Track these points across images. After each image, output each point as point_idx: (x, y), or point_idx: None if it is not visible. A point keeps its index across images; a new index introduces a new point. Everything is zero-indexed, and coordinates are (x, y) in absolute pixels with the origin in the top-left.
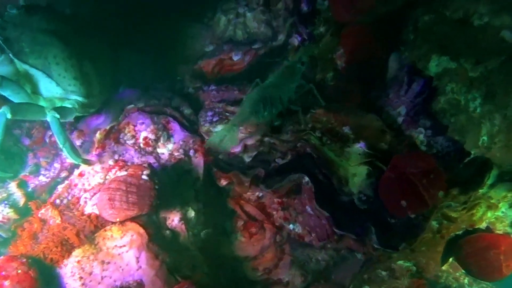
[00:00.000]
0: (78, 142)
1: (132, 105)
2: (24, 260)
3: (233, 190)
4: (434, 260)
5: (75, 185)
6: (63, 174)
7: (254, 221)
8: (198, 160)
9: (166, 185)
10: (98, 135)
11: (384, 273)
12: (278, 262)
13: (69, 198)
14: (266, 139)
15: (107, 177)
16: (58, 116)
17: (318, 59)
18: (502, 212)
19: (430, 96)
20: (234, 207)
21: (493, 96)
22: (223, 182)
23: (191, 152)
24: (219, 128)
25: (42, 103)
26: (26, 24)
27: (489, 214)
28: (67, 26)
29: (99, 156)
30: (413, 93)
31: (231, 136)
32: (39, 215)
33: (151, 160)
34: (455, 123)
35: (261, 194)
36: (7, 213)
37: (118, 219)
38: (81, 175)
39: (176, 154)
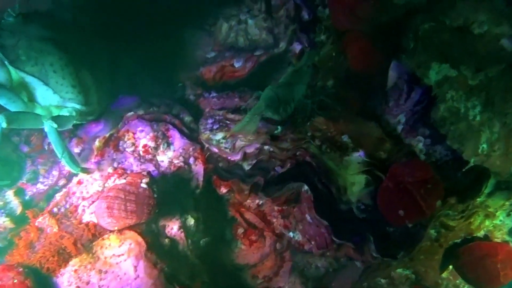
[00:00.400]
0: (77, 150)
1: (132, 113)
2: (21, 269)
3: (233, 197)
4: (433, 268)
5: (73, 193)
6: (62, 182)
7: (254, 228)
8: (198, 168)
9: (165, 193)
10: (97, 143)
11: (383, 281)
12: (278, 269)
13: (67, 206)
14: (266, 147)
15: (106, 185)
16: (55, 125)
17: (319, 67)
18: (500, 220)
19: (429, 105)
20: (234, 215)
21: (492, 103)
22: (223, 190)
23: (191, 160)
24: (220, 135)
25: (39, 111)
26: (22, 31)
27: (487, 222)
28: (64, 34)
29: (98, 164)
30: (412, 101)
31: (252, 122)
32: (36, 224)
33: (151, 167)
34: (454, 131)
35: (261, 202)
36: (3, 222)
37: (116, 228)
38: (79, 183)
39: (176, 161)
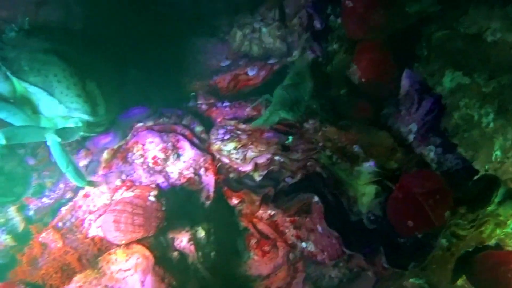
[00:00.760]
0: (85, 162)
1: (141, 124)
2: (23, 286)
3: (245, 208)
4: (445, 278)
5: (79, 206)
6: (68, 195)
7: (267, 239)
8: (209, 179)
9: (175, 205)
10: (105, 155)
11: None
12: (291, 280)
13: (73, 220)
14: (277, 157)
15: (114, 197)
16: (59, 139)
17: (332, 76)
18: (511, 229)
19: (439, 114)
20: (246, 225)
21: (506, 111)
22: (234, 201)
23: (202, 171)
24: (231, 146)
25: (43, 123)
26: (25, 45)
27: (497, 231)
28: (70, 45)
29: (106, 176)
30: (423, 110)
31: (273, 117)
32: (40, 239)
33: (160, 179)
34: (468, 138)
35: (273, 213)
36: (5, 239)
37: (123, 242)
38: (86, 196)
39: (186, 173)
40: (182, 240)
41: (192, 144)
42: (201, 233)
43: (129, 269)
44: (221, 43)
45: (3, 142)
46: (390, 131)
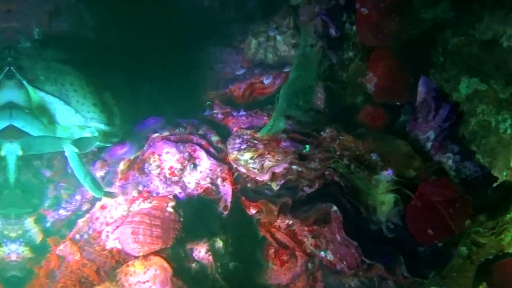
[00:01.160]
0: (101, 173)
1: (157, 134)
2: None
3: (263, 218)
4: (466, 286)
5: (97, 218)
6: (85, 207)
7: (285, 248)
8: (226, 189)
9: (192, 215)
10: (121, 166)
11: None
12: None
13: (90, 232)
14: (294, 167)
15: (131, 209)
16: (76, 150)
17: (348, 84)
18: None
19: (457, 121)
20: (265, 235)
21: None
22: (252, 211)
23: (219, 181)
24: (247, 155)
25: (59, 132)
26: (40, 54)
27: None
28: (85, 55)
29: (123, 187)
30: (440, 118)
31: (278, 123)
32: (57, 252)
33: (177, 189)
34: (485, 144)
35: (291, 222)
36: (22, 251)
37: (141, 253)
38: (103, 207)
39: (203, 183)
40: (200, 251)
41: (209, 154)
42: (219, 243)
43: (147, 281)
44: (235, 51)
45: (20, 152)
46: (407, 139)
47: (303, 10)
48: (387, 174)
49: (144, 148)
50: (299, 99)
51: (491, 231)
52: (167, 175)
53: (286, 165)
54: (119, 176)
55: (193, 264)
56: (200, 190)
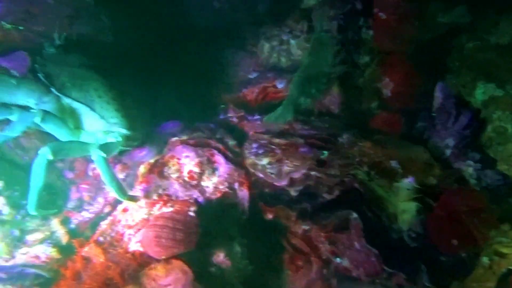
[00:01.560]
0: (121, 176)
1: (176, 138)
2: None
3: (280, 223)
4: None
5: (119, 221)
6: (107, 209)
7: (301, 254)
8: (243, 193)
9: (210, 219)
10: (142, 169)
11: None
12: None
13: (113, 234)
14: (313, 173)
15: (151, 212)
16: (104, 154)
17: (363, 89)
18: None
19: (478, 129)
20: (281, 240)
21: None
22: (269, 216)
23: (236, 185)
24: (265, 161)
25: (84, 138)
26: (64, 60)
27: None
28: (105, 60)
29: (144, 191)
30: (461, 125)
31: (286, 112)
32: (83, 253)
33: (196, 194)
34: (502, 151)
35: (307, 227)
36: (50, 252)
37: (163, 257)
38: (124, 210)
39: (221, 187)
40: (219, 255)
41: (227, 158)
42: (237, 248)
43: (169, 285)
44: (248, 55)
45: (51, 157)
46: (425, 145)
47: (317, 15)
48: (408, 182)
49: (164, 152)
50: (312, 87)
51: None
52: (186, 179)
53: (304, 171)
54: (140, 179)
55: (212, 268)
56: (218, 195)
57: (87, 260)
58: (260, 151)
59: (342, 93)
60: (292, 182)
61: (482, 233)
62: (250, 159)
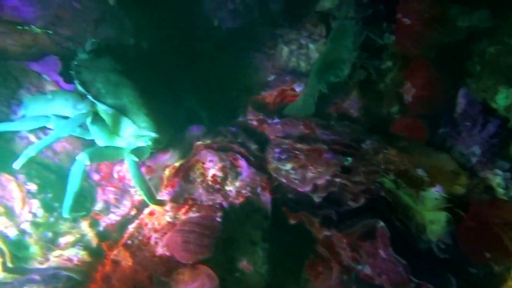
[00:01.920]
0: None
1: (200, 142)
2: None
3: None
4: None
5: (146, 224)
6: (133, 212)
7: (321, 259)
8: (266, 198)
9: (234, 224)
10: (167, 172)
11: None
12: None
13: (140, 238)
14: (337, 179)
15: (177, 216)
16: (136, 158)
17: (384, 93)
18: None
19: (506, 137)
20: (302, 246)
21: None
22: (292, 222)
23: (259, 190)
24: (288, 166)
25: (118, 143)
26: (97, 66)
27: None
28: (133, 64)
29: (169, 195)
30: (488, 133)
31: (308, 105)
32: (112, 257)
33: (219, 198)
34: None
35: (329, 233)
36: (81, 255)
37: (190, 262)
38: (151, 214)
39: (243, 191)
40: (242, 260)
41: (249, 162)
42: (259, 252)
43: None
44: (266, 58)
45: (88, 162)
46: (449, 152)
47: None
48: (435, 191)
49: (189, 155)
50: (330, 74)
51: None
52: (210, 183)
53: (328, 177)
54: (165, 182)
55: (236, 274)
56: (241, 199)
57: (116, 263)
58: (283, 156)
59: (362, 98)
60: (315, 188)
61: None
62: (273, 164)
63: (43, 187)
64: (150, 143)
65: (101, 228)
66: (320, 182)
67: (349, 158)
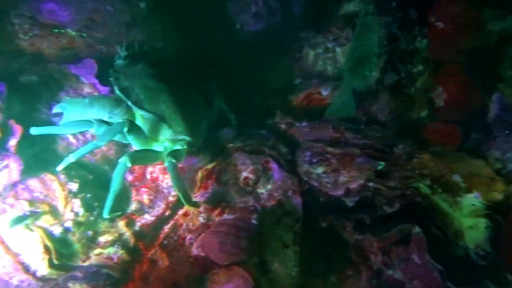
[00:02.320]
0: None
1: (232, 145)
2: None
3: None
4: None
5: (180, 225)
6: (167, 213)
7: (351, 263)
8: (297, 201)
9: (266, 227)
10: (200, 174)
11: None
12: None
13: (175, 238)
14: (371, 184)
15: (210, 217)
16: (174, 161)
17: (414, 98)
18: None
19: None
20: (333, 249)
21: None
22: (323, 225)
23: (290, 193)
24: (320, 170)
25: (155, 147)
26: (134, 72)
27: None
28: (166, 70)
29: (203, 196)
30: None
31: (348, 104)
32: (149, 256)
33: (251, 201)
34: None
35: (360, 237)
36: (121, 254)
37: (225, 263)
38: (186, 215)
39: (275, 194)
40: (274, 262)
41: (280, 165)
42: (291, 255)
43: None
44: (293, 61)
45: (129, 165)
46: (484, 158)
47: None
48: (473, 197)
49: (220, 158)
50: (364, 68)
51: None
52: (242, 186)
53: (362, 182)
54: (198, 184)
55: (270, 275)
56: (272, 202)
57: (153, 262)
58: (314, 160)
59: (392, 101)
60: (348, 192)
61: None
62: (304, 167)
63: (82, 187)
64: (185, 146)
65: (137, 228)
66: (353, 186)
67: (382, 163)
